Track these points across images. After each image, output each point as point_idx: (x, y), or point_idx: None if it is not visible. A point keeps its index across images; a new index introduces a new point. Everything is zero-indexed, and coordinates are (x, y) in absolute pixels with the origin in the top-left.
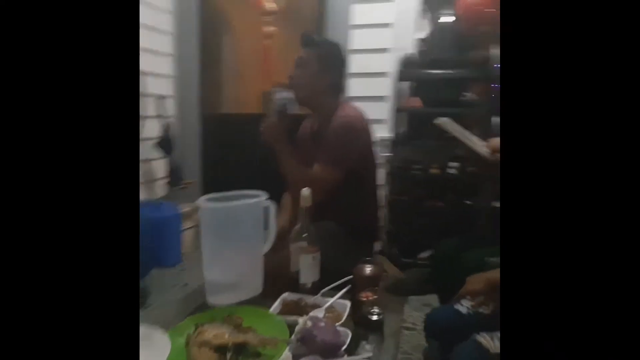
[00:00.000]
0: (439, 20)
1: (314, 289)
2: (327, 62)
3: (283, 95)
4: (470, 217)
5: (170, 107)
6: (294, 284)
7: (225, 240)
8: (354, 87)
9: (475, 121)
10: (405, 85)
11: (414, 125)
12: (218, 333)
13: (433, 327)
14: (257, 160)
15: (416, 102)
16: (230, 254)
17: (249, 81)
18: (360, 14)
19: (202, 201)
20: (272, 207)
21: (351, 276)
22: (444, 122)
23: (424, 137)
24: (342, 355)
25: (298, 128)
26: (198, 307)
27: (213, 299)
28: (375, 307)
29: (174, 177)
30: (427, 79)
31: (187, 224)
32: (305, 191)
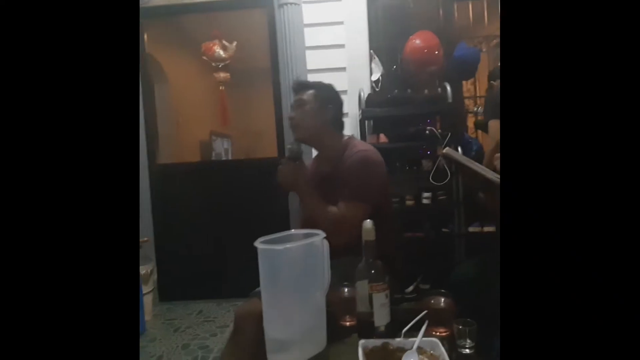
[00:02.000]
0: (389, 63)
1: (387, 331)
2: (325, 99)
3: (292, 141)
4: (449, 244)
5: None
6: (365, 328)
7: (287, 287)
8: None
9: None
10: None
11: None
12: None
13: None
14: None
15: (382, 139)
16: (292, 304)
17: (186, 130)
18: (314, 59)
19: (259, 244)
20: (326, 245)
21: (426, 311)
22: (449, 151)
23: (393, 171)
24: None
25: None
26: None
27: (276, 359)
28: (464, 339)
29: None
30: (390, 117)
31: (145, 288)
32: (368, 224)
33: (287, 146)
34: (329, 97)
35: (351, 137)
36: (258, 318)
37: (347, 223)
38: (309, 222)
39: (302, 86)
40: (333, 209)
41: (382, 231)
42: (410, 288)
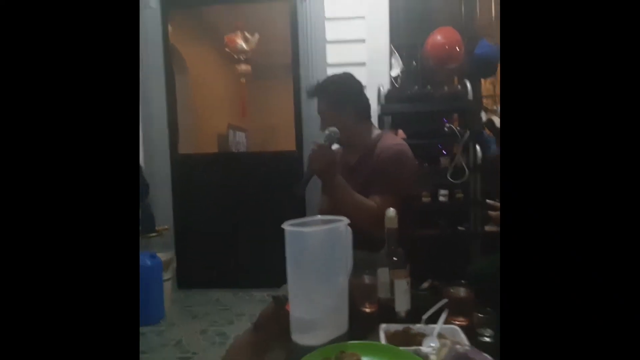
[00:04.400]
0: (410, 59)
1: (407, 317)
2: (341, 95)
3: (331, 129)
4: (464, 243)
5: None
6: (385, 314)
7: (312, 268)
8: None
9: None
10: (387, 119)
11: None
12: None
13: None
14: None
15: (400, 135)
16: (316, 285)
17: (204, 122)
18: (334, 53)
19: (287, 225)
20: (349, 231)
21: (446, 300)
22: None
23: None
24: None
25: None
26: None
27: (299, 338)
28: (484, 328)
29: (147, 224)
30: (409, 113)
31: (164, 275)
32: (391, 212)
33: (326, 132)
34: (347, 89)
35: (383, 131)
36: (276, 321)
37: (380, 216)
38: (333, 209)
39: (312, 92)
40: (370, 202)
41: (407, 223)
42: (425, 285)
